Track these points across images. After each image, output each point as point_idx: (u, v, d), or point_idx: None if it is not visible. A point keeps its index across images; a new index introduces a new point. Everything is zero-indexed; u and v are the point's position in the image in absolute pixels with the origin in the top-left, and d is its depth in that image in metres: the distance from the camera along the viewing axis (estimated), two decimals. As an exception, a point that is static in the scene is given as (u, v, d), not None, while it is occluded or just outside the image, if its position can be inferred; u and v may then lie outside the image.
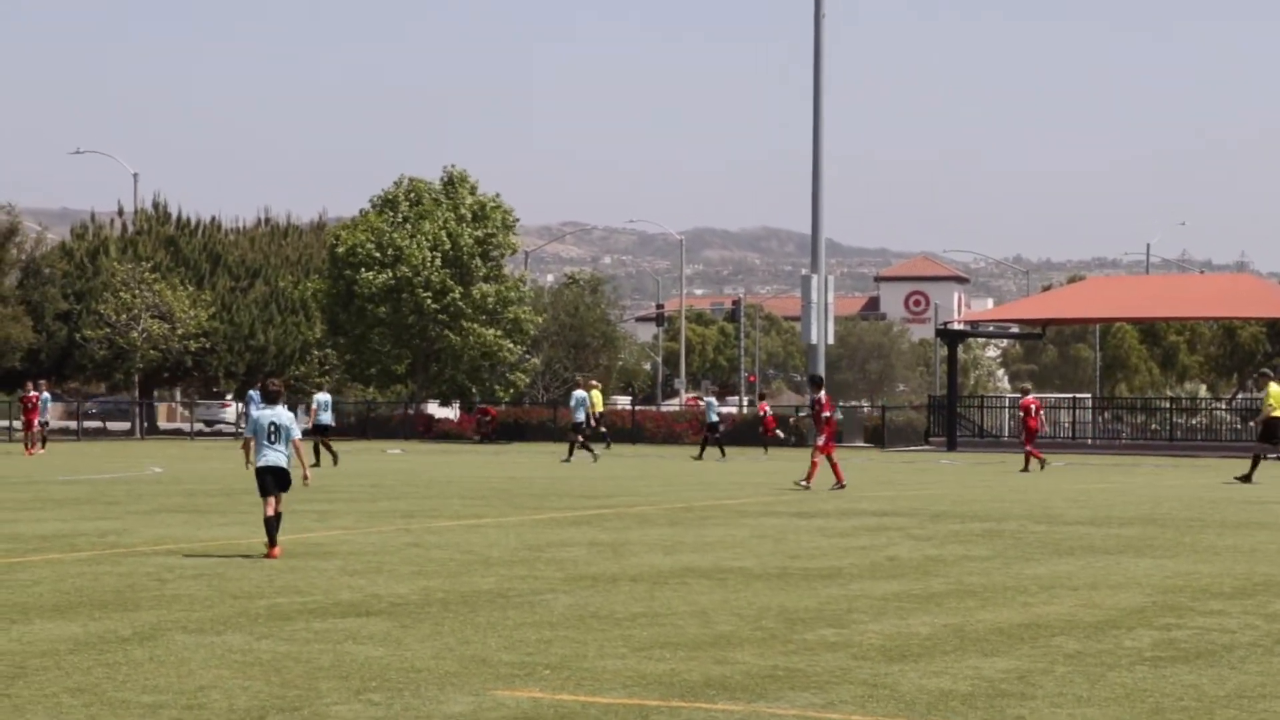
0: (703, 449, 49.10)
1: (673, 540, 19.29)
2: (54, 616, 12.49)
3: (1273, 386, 35.07)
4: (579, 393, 45.68)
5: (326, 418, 41.50)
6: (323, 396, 42.25)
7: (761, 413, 56.90)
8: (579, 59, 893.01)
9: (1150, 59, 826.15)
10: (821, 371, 66.05)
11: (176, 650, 10.96)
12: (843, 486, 29.99)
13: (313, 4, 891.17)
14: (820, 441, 30.95)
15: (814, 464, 30.71)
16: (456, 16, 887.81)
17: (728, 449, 49.25)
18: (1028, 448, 40.80)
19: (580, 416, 45.13)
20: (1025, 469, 39.74)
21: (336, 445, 41.17)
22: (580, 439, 44.78)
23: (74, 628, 11.92)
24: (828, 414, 31.04)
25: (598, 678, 10.07)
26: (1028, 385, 45.98)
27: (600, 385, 60.07)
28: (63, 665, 10.38)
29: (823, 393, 31.47)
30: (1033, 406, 42.18)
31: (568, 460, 43.87)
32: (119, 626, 11.98)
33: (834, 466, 30.50)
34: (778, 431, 55.34)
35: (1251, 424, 40.67)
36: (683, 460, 46.19)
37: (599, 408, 54.67)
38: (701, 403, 51.80)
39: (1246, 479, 33.81)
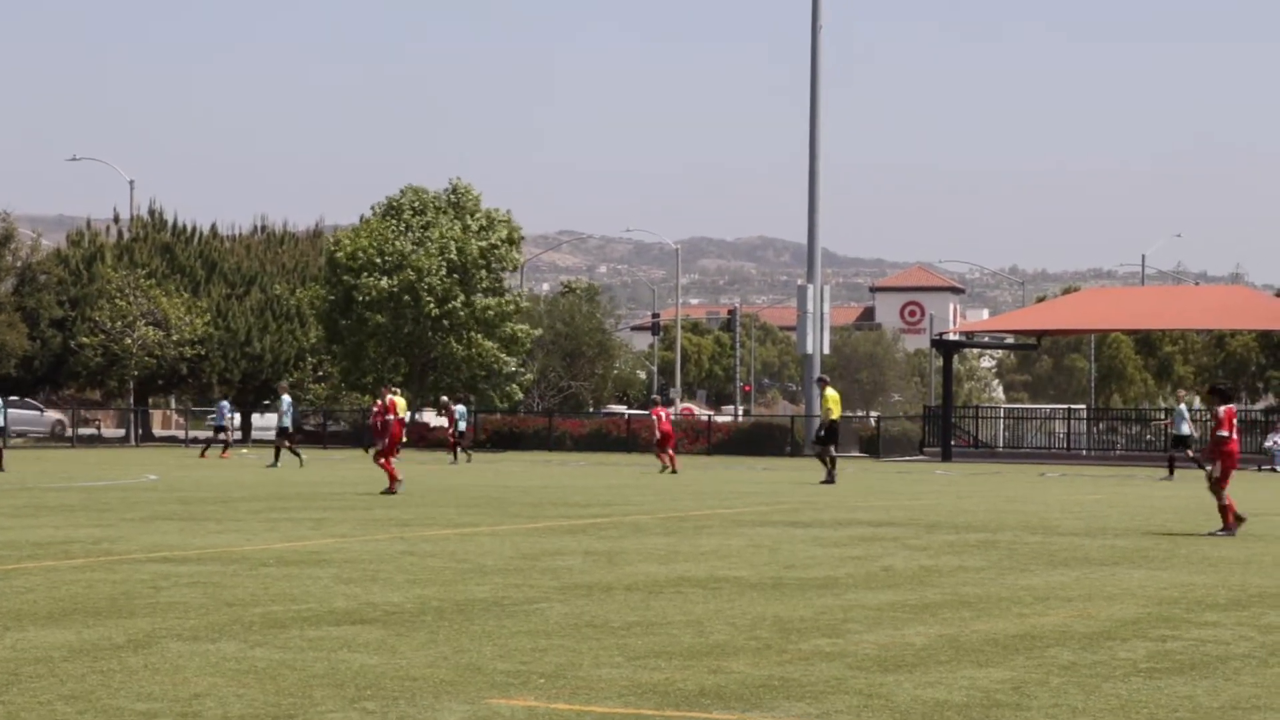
0: (454, 454, 51.59)
1: (668, 549, 19.29)
2: (48, 624, 12.48)
3: (829, 391, 38.37)
4: (286, 397, 46.48)
5: None
6: None
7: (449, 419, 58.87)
8: (576, 68, 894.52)
9: (1148, 69, 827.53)
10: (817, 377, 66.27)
11: (171, 658, 10.95)
12: (394, 492, 30.01)
13: (310, 11, 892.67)
14: (380, 446, 31.19)
15: (387, 470, 30.77)
16: (453, 25, 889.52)
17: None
18: (671, 450, 43.58)
19: (288, 422, 46.11)
20: (674, 470, 42.39)
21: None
22: (286, 442, 45.84)
23: (68, 635, 11.90)
24: (392, 416, 31.15)
25: (593, 687, 10.07)
26: (656, 397, 48.57)
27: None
28: (57, 673, 10.37)
29: (389, 397, 31.69)
30: (663, 414, 45.21)
31: (274, 465, 44.67)
32: (113, 634, 11.97)
33: (390, 471, 30.67)
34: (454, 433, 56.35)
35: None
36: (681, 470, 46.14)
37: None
38: (455, 409, 53.53)
39: (830, 481, 36.47)
